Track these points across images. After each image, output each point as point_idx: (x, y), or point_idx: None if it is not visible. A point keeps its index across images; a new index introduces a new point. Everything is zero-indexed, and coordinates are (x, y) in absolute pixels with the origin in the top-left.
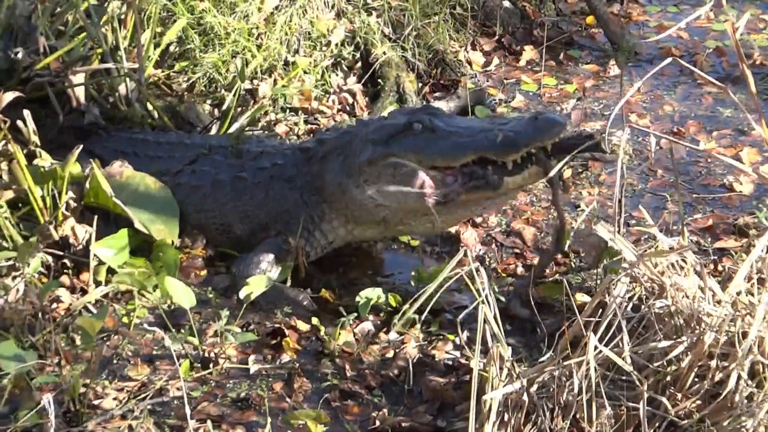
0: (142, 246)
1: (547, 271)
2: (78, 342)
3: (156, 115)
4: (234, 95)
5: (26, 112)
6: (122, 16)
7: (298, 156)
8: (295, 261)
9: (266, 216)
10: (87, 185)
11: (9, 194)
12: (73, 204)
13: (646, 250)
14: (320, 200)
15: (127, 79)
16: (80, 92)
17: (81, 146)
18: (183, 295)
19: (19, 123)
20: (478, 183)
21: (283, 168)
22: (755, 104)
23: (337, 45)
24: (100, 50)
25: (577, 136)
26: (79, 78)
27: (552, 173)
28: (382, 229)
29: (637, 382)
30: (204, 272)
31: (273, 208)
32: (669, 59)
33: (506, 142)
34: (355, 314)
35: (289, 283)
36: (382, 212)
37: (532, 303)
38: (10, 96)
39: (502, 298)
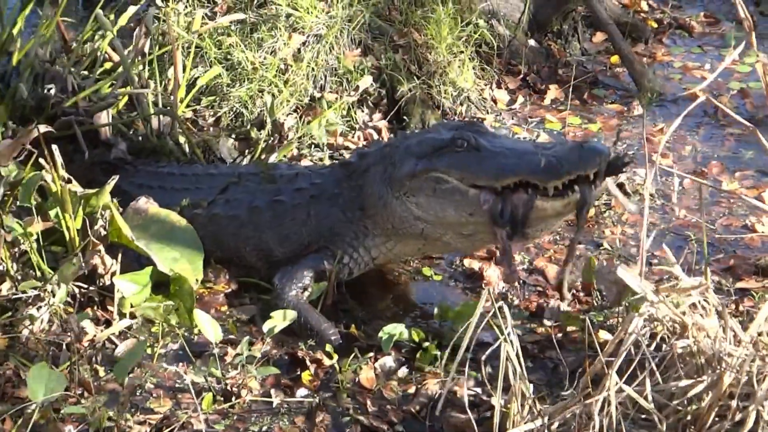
0: (165, 280)
1: (569, 305)
2: (102, 374)
3: (187, 149)
4: (262, 130)
5: (54, 147)
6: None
7: (339, 173)
8: (327, 285)
9: (308, 236)
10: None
11: (39, 226)
12: (103, 233)
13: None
14: (364, 215)
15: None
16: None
17: (117, 176)
18: (210, 328)
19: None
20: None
21: (323, 186)
22: None
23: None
24: (127, 88)
25: (615, 161)
26: (106, 116)
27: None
28: (421, 244)
29: (658, 421)
30: (225, 308)
31: (316, 228)
32: (702, 97)
33: (549, 168)
34: (378, 349)
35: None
36: (421, 225)
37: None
38: (42, 129)
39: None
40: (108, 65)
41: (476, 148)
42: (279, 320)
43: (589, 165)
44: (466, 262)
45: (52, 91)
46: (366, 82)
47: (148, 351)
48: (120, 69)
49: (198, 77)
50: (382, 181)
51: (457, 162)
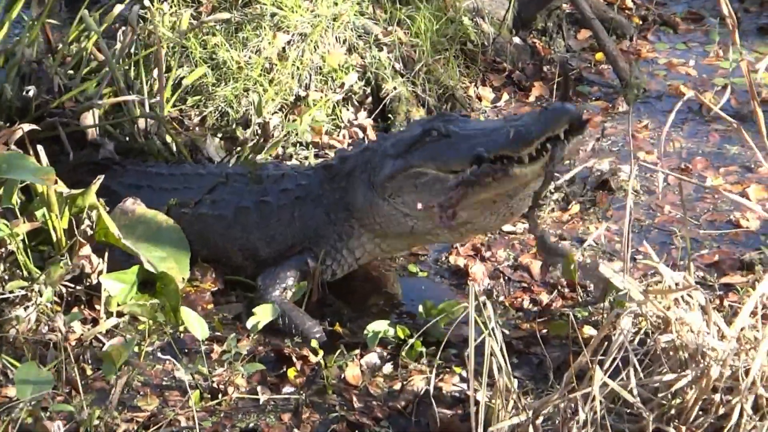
0: (152, 279)
1: (552, 304)
2: (90, 372)
3: (174, 149)
4: (249, 129)
5: (40, 147)
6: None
7: (322, 174)
8: (311, 283)
9: (293, 237)
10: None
11: (25, 227)
12: (89, 232)
13: (651, 286)
14: (348, 216)
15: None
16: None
17: (103, 176)
18: (197, 326)
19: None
20: (474, 176)
21: (308, 188)
22: (763, 138)
23: (350, 85)
24: (112, 88)
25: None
26: (92, 116)
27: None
28: (410, 240)
29: (643, 415)
30: (211, 306)
31: (300, 229)
32: (690, 93)
33: (518, 136)
34: (363, 347)
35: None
36: (410, 222)
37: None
38: (27, 127)
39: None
40: (94, 65)
41: (446, 135)
42: (262, 316)
43: (555, 125)
44: (452, 258)
45: (31, 93)
46: (351, 79)
47: (135, 349)
48: (106, 69)
49: (183, 77)
50: (368, 187)
51: (429, 153)
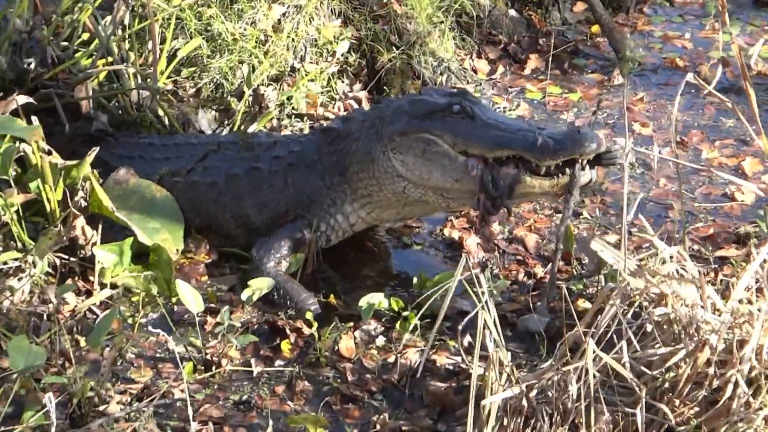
0: (146, 251)
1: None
2: (83, 344)
3: (167, 121)
4: (242, 101)
5: (34, 118)
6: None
7: (319, 139)
8: (306, 254)
9: (286, 204)
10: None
11: (19, 198)
12: (83, 203)
13: (644, 260)
14: (343, 181)
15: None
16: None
17: (98, 148)
18: (190, 298)
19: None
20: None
21: (302, 154)
22: (756, 117)
23: (342, 54)
24: (105, 60)
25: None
26: (86, 89)
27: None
28: (400, 207)
29: (636, 389)
30: (205, 278)
31: (293, 195)
32: (690, 75)
33: (545, 147)
34: (357, 319)
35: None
36: (403, 183)
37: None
38: (22, 99)
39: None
40: (86, 36)
41: (471, 116)
42: (257, 288)
43: (584, 150)
44: (447, 231)
45: (32, 65)
46: (343, 47)
47: (129, 321)
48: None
49: (178, 48)
50: (369, 137)
51: (451, 127)
